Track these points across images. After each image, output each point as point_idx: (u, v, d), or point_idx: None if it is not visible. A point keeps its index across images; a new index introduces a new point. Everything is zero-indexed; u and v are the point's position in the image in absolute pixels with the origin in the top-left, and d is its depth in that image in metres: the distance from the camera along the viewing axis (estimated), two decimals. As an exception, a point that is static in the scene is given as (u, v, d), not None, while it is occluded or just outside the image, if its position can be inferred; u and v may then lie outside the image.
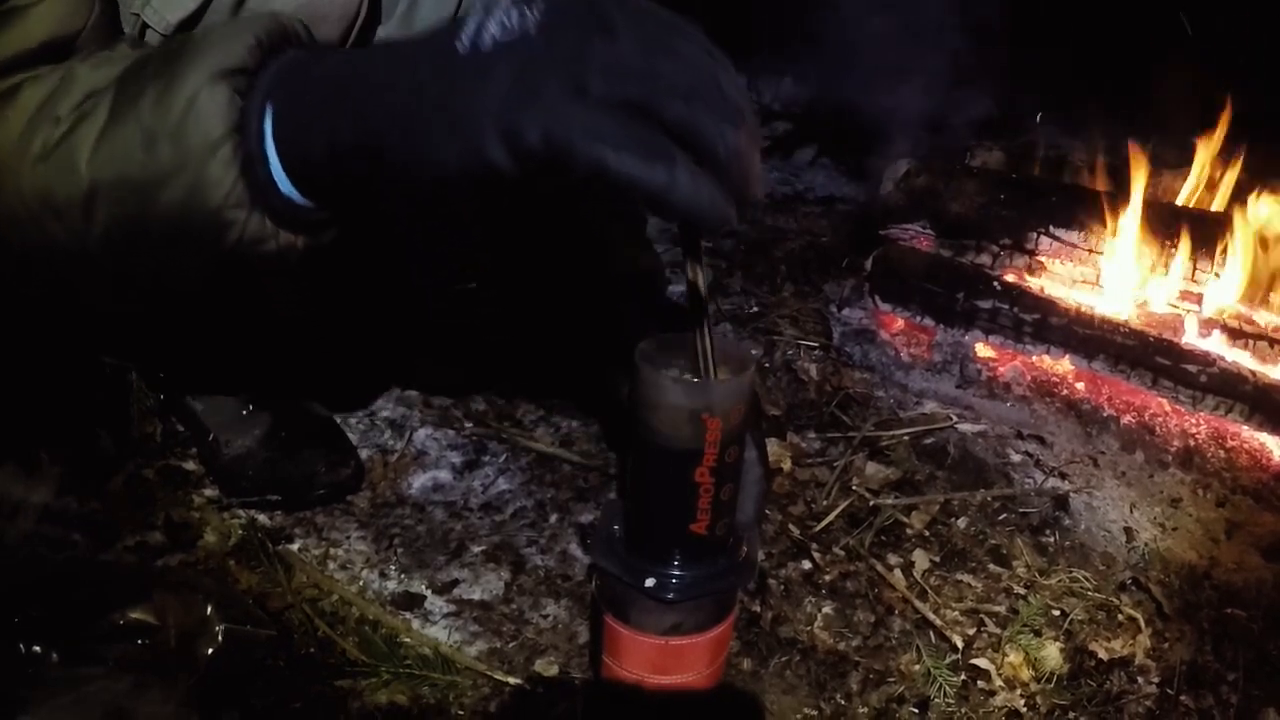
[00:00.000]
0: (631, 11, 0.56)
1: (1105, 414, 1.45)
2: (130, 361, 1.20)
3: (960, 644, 1.06)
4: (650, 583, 0.79)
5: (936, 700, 1.00)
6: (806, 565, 1.15)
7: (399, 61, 0.60)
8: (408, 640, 1.01)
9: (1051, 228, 1.62)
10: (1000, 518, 1.26)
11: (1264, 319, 1.52)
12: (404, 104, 0.58)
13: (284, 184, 0.64)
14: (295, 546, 1.13)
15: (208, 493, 1.17)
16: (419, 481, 1.24)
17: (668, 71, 0.54)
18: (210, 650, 0.88)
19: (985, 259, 1.66)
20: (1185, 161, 1.74)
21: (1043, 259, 1.65)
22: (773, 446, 1.32)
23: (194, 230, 0.65)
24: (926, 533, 1.22)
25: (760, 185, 0.57)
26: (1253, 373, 1.41)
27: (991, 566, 1.18)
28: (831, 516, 1.22)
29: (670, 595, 0.79)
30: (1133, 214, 1.57)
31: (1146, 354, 1.45)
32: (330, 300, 1.04)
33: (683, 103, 0.53)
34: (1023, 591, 1.14)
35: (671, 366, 0.78)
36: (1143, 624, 1.11)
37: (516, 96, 0.54)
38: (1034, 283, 1.64)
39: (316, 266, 0.70)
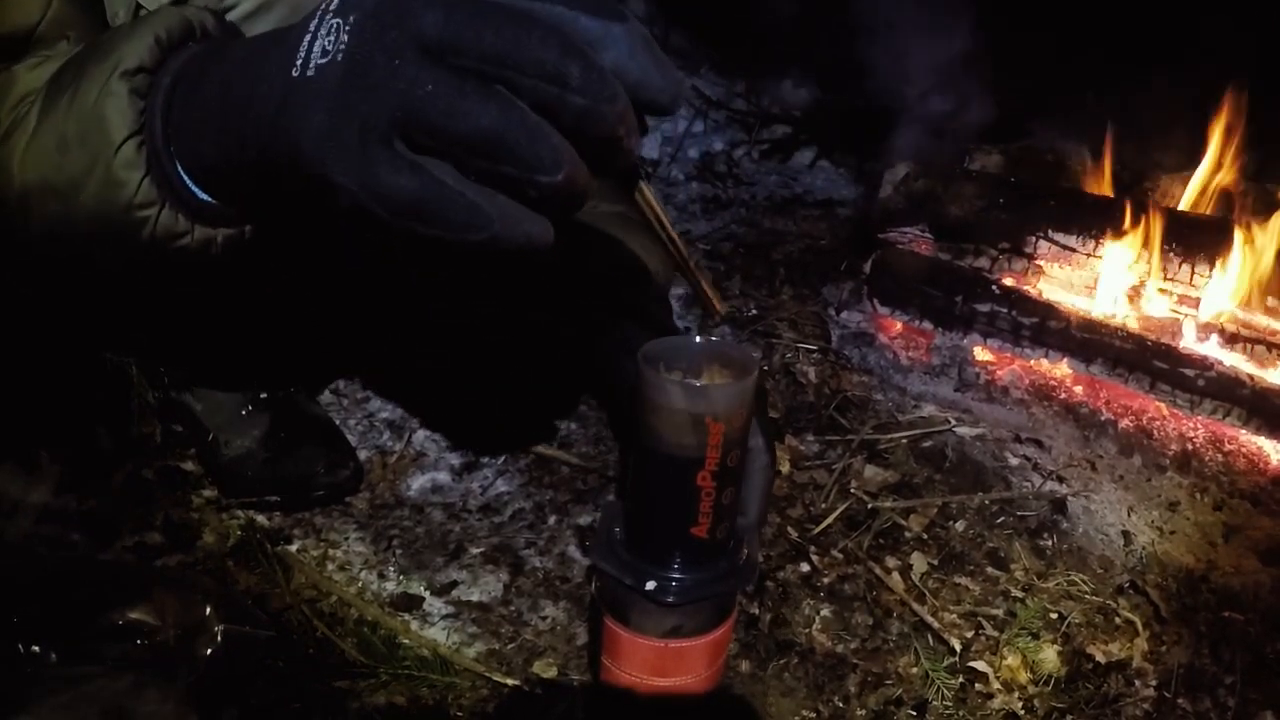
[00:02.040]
0: (447, 30, 0.49)
1: (1103, 418, 1.45)
2: (132, 355, 1.20)
3: (958, 647, 1.06)
4: (650, 585, 0.79)
5: (934, 703, 1.00)
6: (805, 568, 1.15)
7: (261, 74, 0.56)
8: (406, 641, 1.01)
9: (1050, 231, 1.62)
10: (998, 521, 1.26)
11: (1262, 323, 1.52)
12: (258, 129, 0.55)
13: (190, 181, 0.63)
14: (294, 547, 1.13)
15: (206, 493, 1.17)
16: (418, 483, 1.25)
17: (469, 126, 0.49)
18: (209, 650, 0.88)
19: (984, 262, 1.67)
20: (1185, 165, 1.74)
21: (1041, 263, 1.65)
22: (771, 449, 1.32)
23: (113, 229, 0.65)
24: (925, 536, 1.22)
25: (591, 191, 0.52)
26: (1251, 377, 1.42)
27: (989, 569, 1.18)
28: (830, 519, 1.22)
29: (670, 598, 0.79)
30: (1132, 218, 1.58)
31: (1144, 358, 1.45)
32: (291, 287, 1.04)
33: (486, 160, 0.49)
34: (1020, 594, 1.14)
35: (674, 369, 0.78)
36: (1140, 627, 1.11)
37: (325, 145, 0.51)
38: (1032, 286, 1.65)
39: (250, 257, 0.70)
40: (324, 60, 0.51)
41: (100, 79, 0.62)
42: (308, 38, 0.52)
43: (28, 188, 0.67)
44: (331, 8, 0.52)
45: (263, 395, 1.19)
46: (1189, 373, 1.42)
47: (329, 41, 0.51)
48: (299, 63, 0.52)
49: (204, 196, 0.64)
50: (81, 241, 0.68)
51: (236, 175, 0.61)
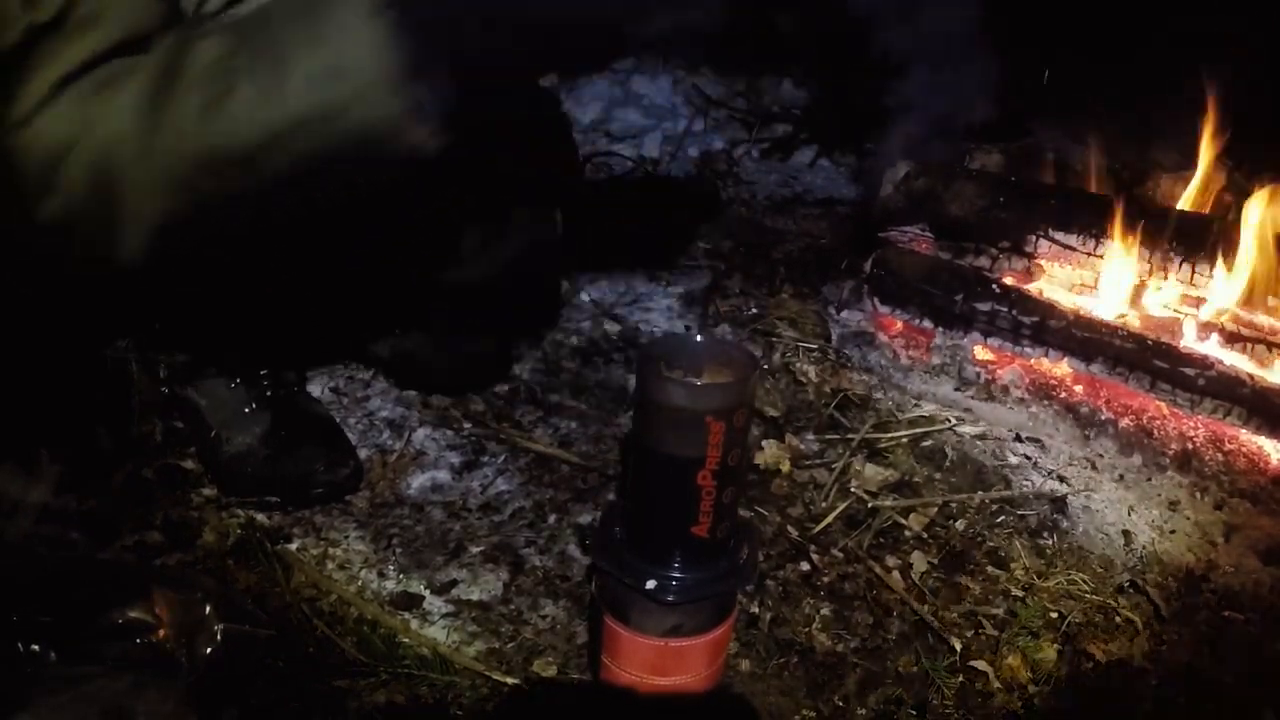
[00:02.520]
0: None
1: (1103, 417, 1.45)
2: (141, 342, 1.20)
3: (958, 646, 1.06)
4: (651, 584, 0.79)
5: (934, 702, 1.00)
6: (805, 567, 1.15)
7: None
8: (406, 640, 1.01)
9: (1050, 230, 1.62)
10: (998, 520, 1.26)
11: (1263, 322, 1.52)
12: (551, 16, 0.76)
13: (439, 90, 0.75)
14: (294, 546, 1.13)
15: (206, 492, 1.17)
16: (417, 482, 1.24)
17: None
18: (209, 649, 0.88)
19: (984, 261, 1.67)
20: (1185, 164, 1.74)
21: (1041, 262, 1.65)
22: (771, 448, 1.32)
23: (369, 147, 0.77)
24: (925, 535, 1.22)
25: None
26: (1251, 376, 1.42)
27: (989, 569, 1.18)
28: (830, 518, 1.22)
29: (671, 597, 0.79)
30: (1132, 217, 1.58)
31: (1145, 357, 1.45)
32: (298, 284, 1.09)
33: None
34: (1021, 594, 1.14)
35: (674, 368, 0.78)
36: (1140, 626, 1.11)
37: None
38: (1033, 286, 1.65)
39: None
40: None
41: (350, 17, 0.73)
42: None
43: (273, 130, 0.75)
44: None
45: (267, 393, 1.19)
46: (1189, 372, 1.42)
47: None
48: None
49: (447, 102, 0.76)
50: (321, 170, 0.79)
51: (487, 72, 0.78)
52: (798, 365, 1.53)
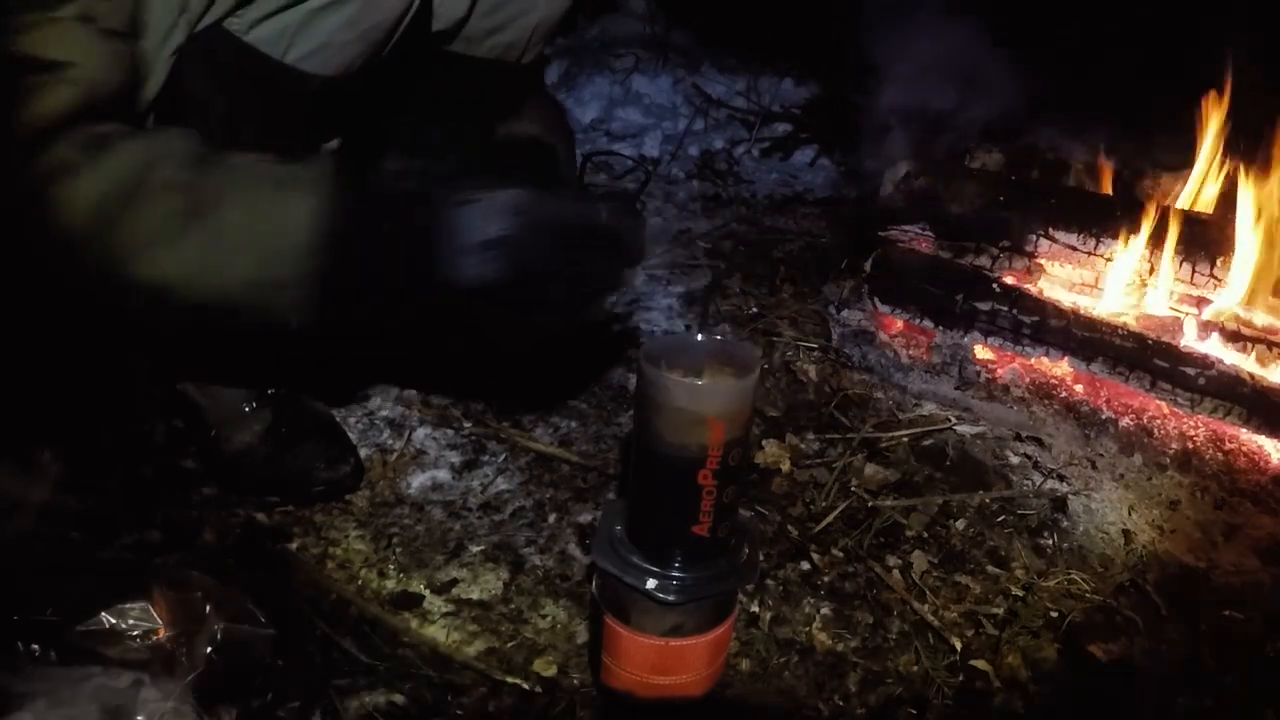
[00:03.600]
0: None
1: (1104, 416, 1.45)
2: (141, 351, 1.20)
3: (958, 645, 1.06)
4: (651, 584, 0.79)
5: (935, 701, 1.00)
6: (805, 566, 1.15)
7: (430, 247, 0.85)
8: (406, 640, 1.01)
9: (1051, 230, 1.62)
10: (999, 519, 1.26)
11: (1263, 321, 1.52)
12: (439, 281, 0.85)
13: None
14: (294, 545, 1.12)
15: (206, 491, 1.17)
16: (418, 481, 1.24)
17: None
18: (208, 649, 0.88)
19: (984, 261, 1.66)
20: (1185, 164, 1.74)
21: (1042, 261, 1.65)
22: (772, 447, 1.32)
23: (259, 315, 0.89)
24: (925, 534, 1.22)
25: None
26: (1251, 375, 1.42)
27: (990, 568, 1.18)
28: (830, 518, 1.22)
29: (671, 597, 0.79)
30: (1132, 216, 1.58)
31: (1145, 356, 1.45)
32: None
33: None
34: (1021, 593, 1.14)
35: (675, 368, 0.78)
36: (1141, 626, 1.11)
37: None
38: (1033, 285, 1.65)
39: None
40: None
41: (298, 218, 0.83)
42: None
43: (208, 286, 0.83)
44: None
45: (267, 391, 1.19)
46: (1189, 371, 1.41)
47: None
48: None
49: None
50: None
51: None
52: (798, 365, 1.53)
